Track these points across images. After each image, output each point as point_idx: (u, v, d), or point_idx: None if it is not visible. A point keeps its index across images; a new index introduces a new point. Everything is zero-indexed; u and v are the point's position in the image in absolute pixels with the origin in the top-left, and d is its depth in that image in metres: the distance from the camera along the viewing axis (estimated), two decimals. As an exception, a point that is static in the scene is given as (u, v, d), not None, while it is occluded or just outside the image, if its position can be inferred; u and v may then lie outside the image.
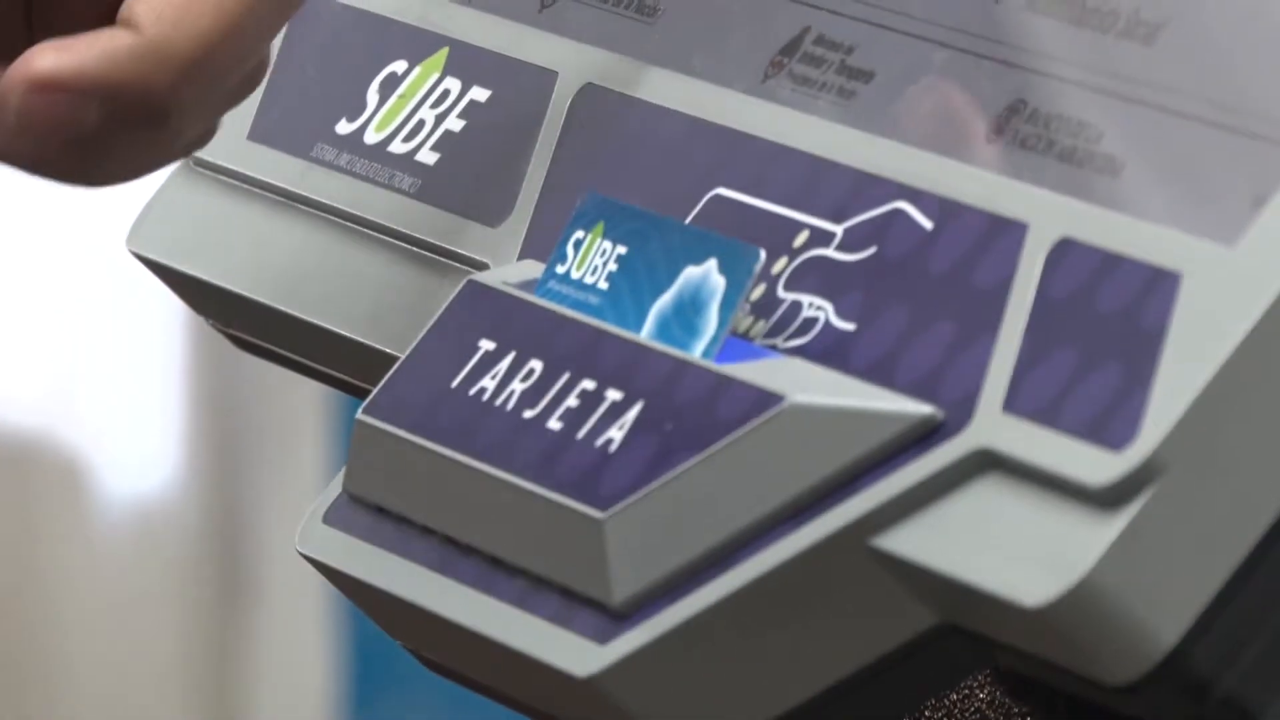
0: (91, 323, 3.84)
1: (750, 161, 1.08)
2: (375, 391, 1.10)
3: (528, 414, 1.03)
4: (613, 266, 1.07)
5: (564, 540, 1.00)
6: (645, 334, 1.04)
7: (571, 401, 1.02)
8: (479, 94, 1.17)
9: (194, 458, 3.95)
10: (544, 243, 1.11)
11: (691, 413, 0.98)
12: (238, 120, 1.23)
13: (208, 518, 3.88)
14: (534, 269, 1.10)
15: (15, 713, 4.44)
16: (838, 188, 1.05)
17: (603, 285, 1.06)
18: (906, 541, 0.90)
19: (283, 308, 1.21)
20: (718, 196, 1.09)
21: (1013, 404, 0.92)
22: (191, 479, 3.90)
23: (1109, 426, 0.88)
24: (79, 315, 4.01)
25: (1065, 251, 0.93)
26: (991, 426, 0.92)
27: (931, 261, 1.00)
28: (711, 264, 1.02)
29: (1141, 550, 0.88)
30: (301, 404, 3.76)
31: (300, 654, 3.74)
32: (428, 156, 1.17)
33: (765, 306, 1.02)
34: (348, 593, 1.13)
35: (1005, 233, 0.97)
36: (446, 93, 1.18)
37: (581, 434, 1.01)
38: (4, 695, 4.48)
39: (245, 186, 1.25)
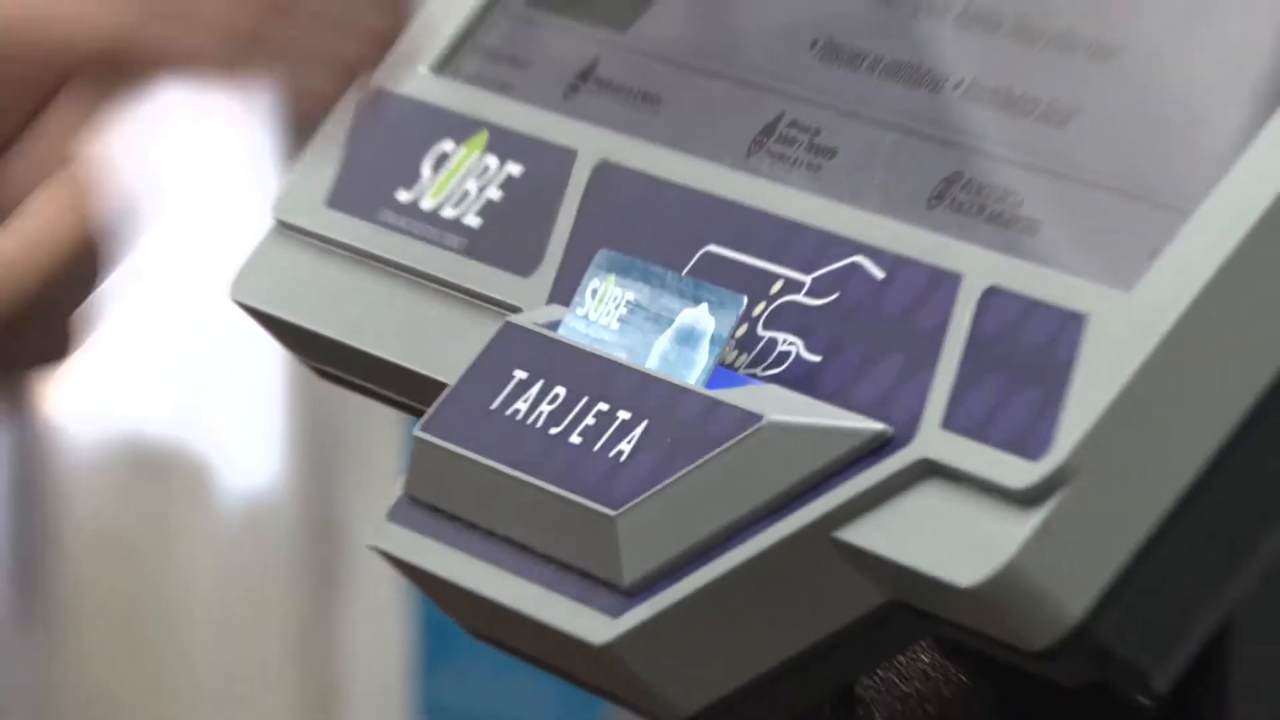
0: (214, 350, 3.87)
1: (735, 224, 1.08)
2: (430, 412, 1.10)
3: (553, 431, 1.03)
4: (623, 310, 1.07)
5: (584, 533, 1.00)
6: (649, 365, 1.04)
7: (589, 420, 1.02)
8: (514, 169, 1.17)
9: (294, 462, 3.99)
10: (567, 290, 1.10)
11: (687, 430, 0.98)
12: (319, 189, 1.23)
13: (304, 511, 3.90)
14: (559, 312, 1.10)
15: (149, 668, 4.45)
16: (807, 245, 1.06)
17: (615, 326, 1.06)
18: (863, 534, 0.91)
19: (355, 344, 1.21)
20: (708, 253, 1.09)
21: (950, 422, 0.92)
22: (291, 480, 3.93)
23: (1028, 440, 0.89)
24: (205, 344, 4.03)
25: (992, 298, 0.94)
26: (932, 441, 0.93)
27: (883, 306, 1.00)
28: (704, 308, 1.03)
29: (1055, 540, 0.89)
30: (380, 420, 3.78)
31: (380, 622, 3.76)
32: (472, 220, 1.17)
33: (747, 343, 1.02)
34: (410, 577, 1.14)
35: (943, 282, 0.98)
36: (487, 168, 1.17)
37: (597, 447, 1.01)
38: (142, 655, 4.49)
39: (324, 246, 1.23)
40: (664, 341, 1.03)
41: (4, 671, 4.59)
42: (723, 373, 1.00)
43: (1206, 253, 0.87)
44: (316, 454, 4.29)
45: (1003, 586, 0.88)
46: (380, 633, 3.96)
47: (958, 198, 1.03)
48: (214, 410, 4.53)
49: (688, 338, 1.03)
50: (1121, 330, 0.91)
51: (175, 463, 4.44)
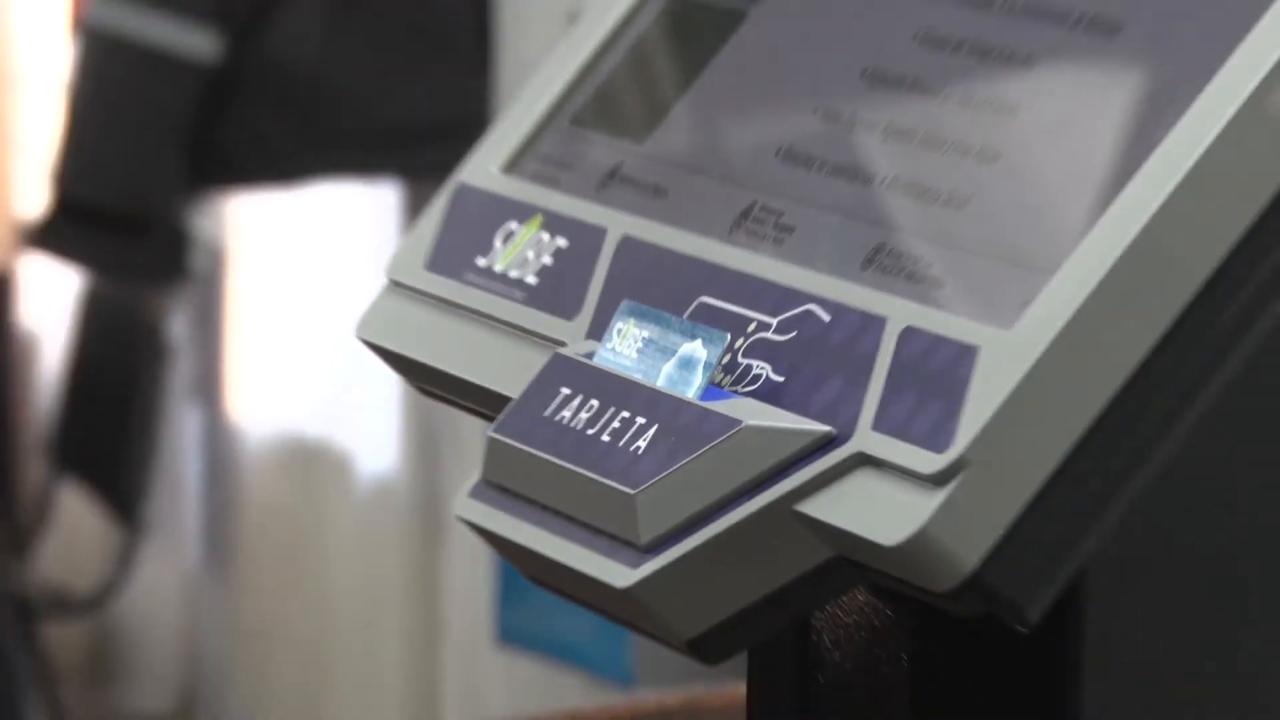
0: (353, 366, 3.90)
1: (722, 282, 1.09)
2: (499, 418, 1.13)
3: (589, 432, 1.06)
4: (639, 344, 1.08)
5: (612, 506, 1.03)
6: (659, 384, 1.06)
7: (615, 424, 1.04)
8: (561, 242, 1.18)
9: (410, 453, 4.20)
10: (599, 330, 1.13)
11: (687, 431, 1.00)
12: (420, 256, 1.26)
13: (418, 489, 3.97)
14: (593, 346, 1.12)
15: (304, 604, 4.61)
16: (773, 298, 1.07)
17: (634, 355, 1.07)
18: (815, 507, 0.94)
19: (446, 369, 1.23)
20: (702, 302, 1.10)
21: (878, 425, 0.94)
22: (409, 466, 4.04)
23: (936, 437, 0.91)
24: (346, 361, 4.07)
25: (909, 335, 0.97)
26: (865, 439, 0.94)
27: (829, 341, 1.02)
28: (699, 342, 1.04)
29: (955, 511, 0.91)
30: (471, 423, 3.77)
31: (470, 570, 3.79)
32: (531, 279, 1.18)
33: (730, 368, 1.04)
34: (486, 539, 1.16)
35: (872, 324, 1.00)
36: (541, 241, 1.19)
37: (621, 443, 1.03)
38: (299, 595, 4.58)
39: (424, 298, 1.25)
40: (669, 367, 1.06)
41: (201, 608, 4.83)
42: (713, 390, 1.03)
43: (1065, 303, 0.90)
44: (427, 448, 4.36)
45: (916, 546, 0.91)
46: (470, 578, 4.04)
47: (884, 262, 1.06)
48: (352, 411, 4.61)
49: (687, 364, 1.05)
50: (1003, 358, 0.94)
51: (323, 451, 4.53)
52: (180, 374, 4.24)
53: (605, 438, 1.04)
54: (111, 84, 3.21)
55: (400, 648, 4.24)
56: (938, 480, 0.92)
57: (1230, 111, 0.95)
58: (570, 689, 3.54)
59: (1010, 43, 1.15)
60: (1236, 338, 0.91)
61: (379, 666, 4.57)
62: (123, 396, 3.96)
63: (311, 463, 4.63)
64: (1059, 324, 0.89)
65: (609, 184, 1.18)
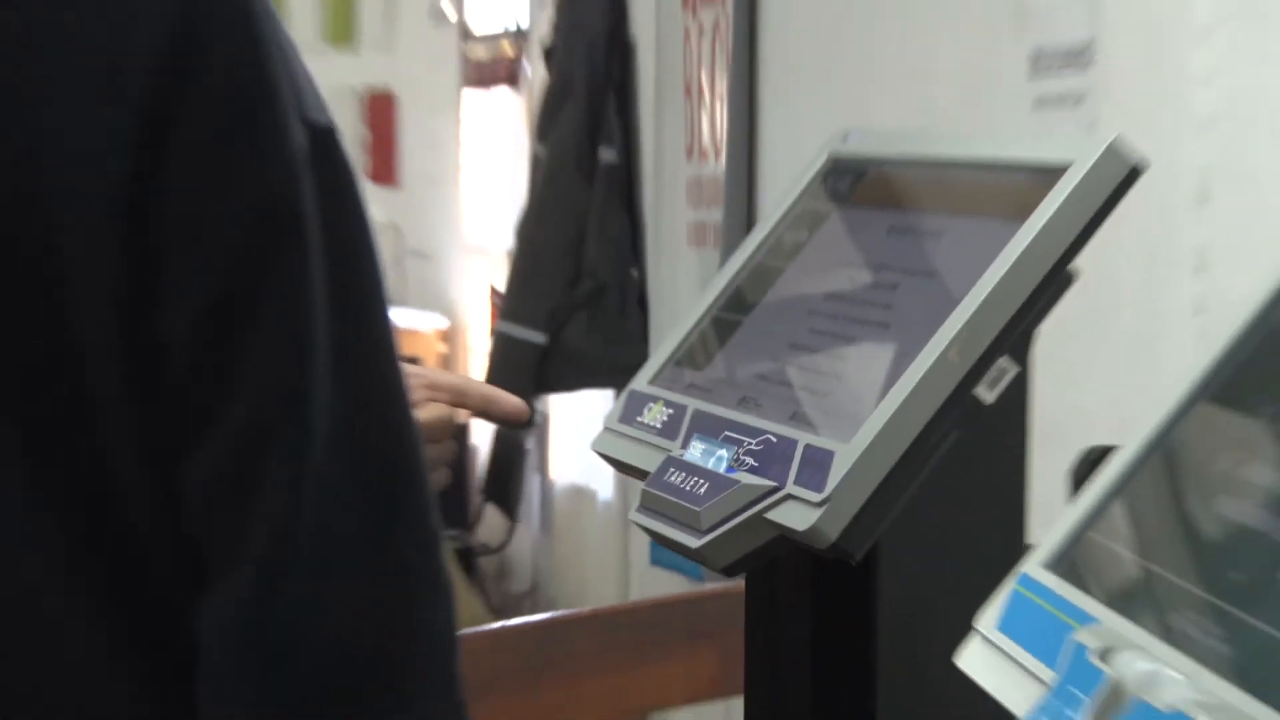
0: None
1: (734, 426, 1.34)
2: (648, 479, 1.32)
3: (681, 485, 1.32)
4: (700, 453, 1.32)
5: (690, 515, 1.26)
6: (709, 466, 1.32)
7: (691, 482, 1.33)
8: (670, 411, 1.40)
9: (620, 488, 4.13)
10: (686, 445, 1.35)
11: (720, 485, 1.28)
12: (616, 415, 1.49)
13: (622, 505, 4.18)
14: (683, 451, 1.35)
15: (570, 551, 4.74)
16: (754, 432, 1.31)
17: (699, 456, 1.32)
18: (775, 515, 1.22)
19: (627, 460, 1.44)
20: (726, 434, 1.35)
21: (797, 481, 1.22)
22: (620, 495, 4.13)
23: (819, 485, 1.20)
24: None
25: (806, 447, 1.23)
26: (790, 488, 1.21)
27: (775, 451, 1.27)
28: (724, 450, 1.29)
29: (827, 516, 1.18)
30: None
31: (642, 538, 3.94)
32: (659, 425, 1.40)
33: (738, 461, 1.31)
34: (645, 530, 1.38)
35: (791, 443, 1.26)
36: (662, 410, 1.39)
37: (692, 489, 1.32)
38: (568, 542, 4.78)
39: (619, 433, 1.43)
40: (713, 461, 1.31)
41: (540, 553, 4.96)
42: (730, 469, 1.29)
43: (865, 436, 1.17)
44: (622, 489, 4.21)
45: (811, 531, 1.21)
46: (641, 538, 4.15)
47: (799, 417, 1.32)
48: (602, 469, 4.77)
49: (720, 459, 1.30)
50: (845, 455, 1.21)
51: (586, 490, 4.66)
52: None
53: (687, 487, 1.29)
54: (499, 355, 3.81)
55: (618, 565, 4.20)
56: (820, 504, 1.21)
57: (933, 358, 1.22)
58: (677, 585, 3.40)
59: (844, 331, 1.40)
60: (939, 446, 1.20)
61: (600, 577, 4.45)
62: (514, 454, 4.46)
63: (582, 495, 4.58)
64: (865, 442, 1.13)
65: (688, 388, 1.42)
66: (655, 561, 3.39)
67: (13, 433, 0.76)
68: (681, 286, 3.44)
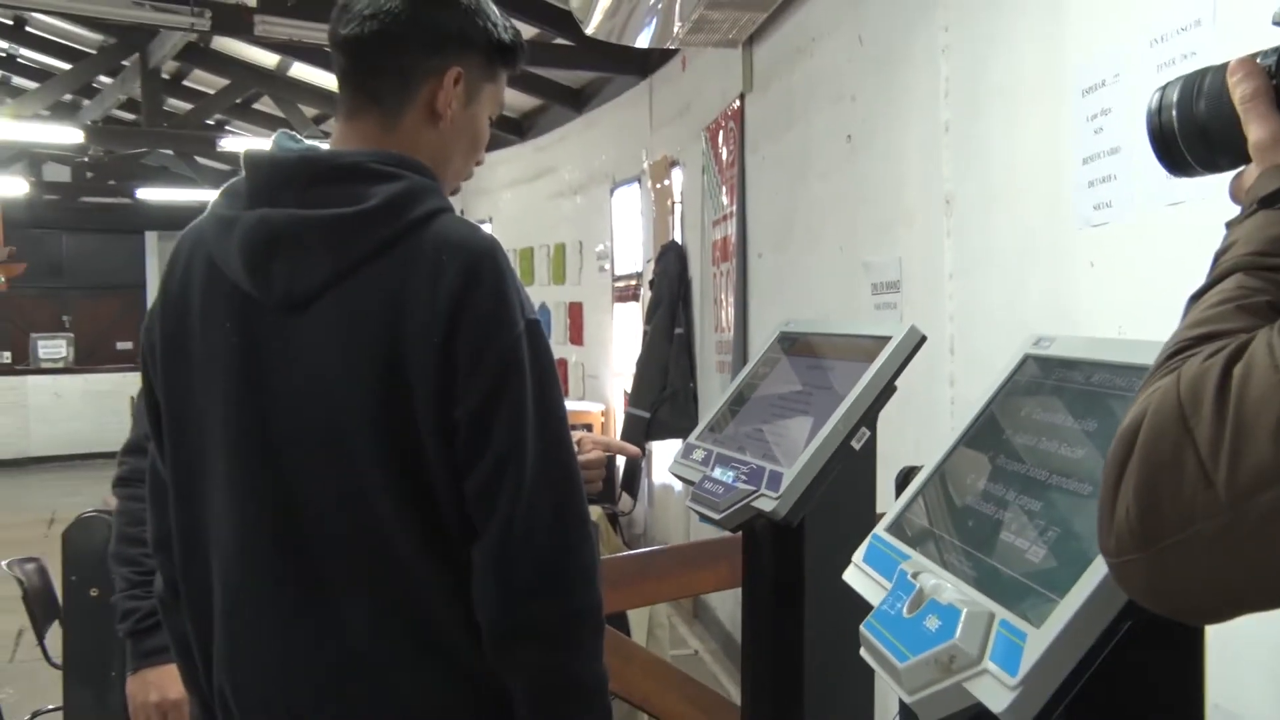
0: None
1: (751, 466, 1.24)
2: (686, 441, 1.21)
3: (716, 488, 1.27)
4: (702, 455, 1.26)
5: (712, 505, 1.24)
6: (726, 480, 1.27)
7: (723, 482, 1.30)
8: (705, 453, 1.35)
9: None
10: (688, 450, 1.27)
11: (732, 493, 1.25)
12: (679, 456, 1.44)
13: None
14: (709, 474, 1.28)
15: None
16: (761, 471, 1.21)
17: (726, 474, 1.24)
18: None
19: (682, 474, 1.35)
20: (737, 471, 1.29)
21: (769, 485, 1.19)
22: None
23: (775, 490, 1.15)
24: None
25: (771, 473, 1.19)
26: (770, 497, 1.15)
27: (756, 472, 1.23)
28: (736, 472, 1.26)
29: (780, 504, 1.18)
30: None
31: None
32: (701, 458, 1.36)
33: (750, 478, 1.25)
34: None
35: (763, 469, 1.23)
36: (703, 454, 1.35)
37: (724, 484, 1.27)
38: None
39: (681, 464, 1.37)
40: (726, 474, 1.26)
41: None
42: (734, 481, 1.26)
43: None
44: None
45: (778, 515, 1.19)
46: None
47: (765, 454, 1.25)
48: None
49: (724, 472, 1.27)
50: (793, 478, 1.16)
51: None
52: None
53: (713, 489, 1.27)
54: (628, 423, 4.15)
55: (682, 523, 4.10)
56: (779, 509, 1.15)
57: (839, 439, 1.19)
58: (711, 533, 3.37)
59: (786, 414, 1.31)
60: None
61: (675, 528, 4.24)
62: (636, 469, 4.36)
63: (667, 489, 4.44)
64: (802, 489, 1.11)
65: (714, 441, 1.38)
66: (702, 521, 3.56)
67: (390, 466, 0.87)
68: (713, 392, 3.76)
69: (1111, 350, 0.82)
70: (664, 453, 4.37)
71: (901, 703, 0.74)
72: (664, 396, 3.86)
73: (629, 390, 4.12)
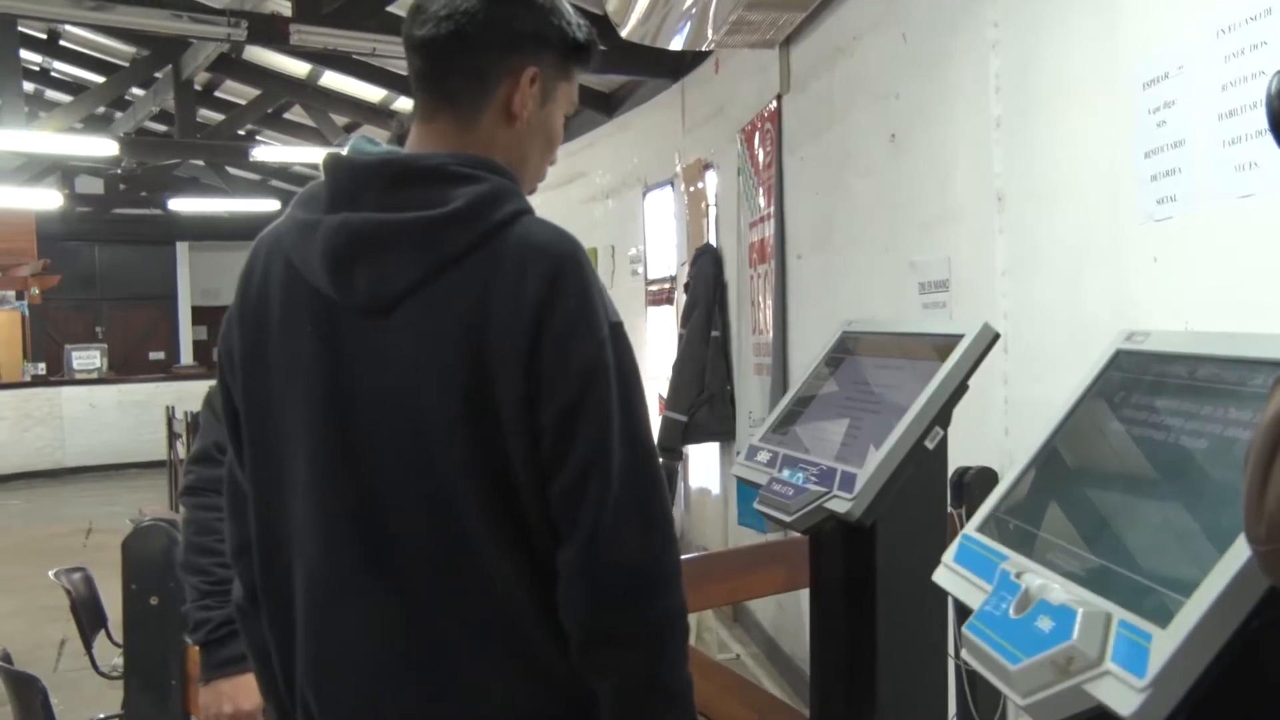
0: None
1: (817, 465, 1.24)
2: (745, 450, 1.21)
3: (781, 489, 1.25)
4: (768, 457, 1.25)
5: (783, 506, 1.22)
6: (792, 480, 1.25)
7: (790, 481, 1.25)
8: (770, 454, 1.32)
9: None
10: (753, 452, 1.27)
11: (800, 495, 1.23)
12: (742, 457, 1.42)
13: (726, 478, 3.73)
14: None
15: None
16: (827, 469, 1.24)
17: (793, 475, 1.23)
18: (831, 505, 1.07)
19: (742, 476, 1.33)
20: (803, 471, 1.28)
21: (842, 486, 1.17)
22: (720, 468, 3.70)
23: (849, 491, 1.15)
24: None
25: (843, 473, 1.19)
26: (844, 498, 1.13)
27: (825, 473, 1.22)
28: (801, 473, 1.23)
29: (855, 505, 1.17)
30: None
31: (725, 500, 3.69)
32: (765, 460, 1.35)
33: (823, 478, 1.22)
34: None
35: (834, 471, 1.20)
36: (768, 454, 1.31)
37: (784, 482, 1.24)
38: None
39: (743, 466, 1.35)
40: (794, 475, 1.24)
41: None
42: (803, 483, 1.24)
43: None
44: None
45: (853, 516, 1.16)
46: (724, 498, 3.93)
47: (835, 455, 1.26)
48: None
49: (793, 473, 1.25)
50: (862, 484, 1.21)
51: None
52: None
53: (783, 491, 1.24)
54: (664, 426, 4.03)
55: (720, 525, 4.05)
56: (854, 510, 1.18)
57: (912, 440, 1.20)
58: (750, 536, 3.33)
59: (854, 414, 1.30)
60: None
61: (712, 532, 4.16)
62: (674, 472, 4.23)
63: (704, 492, 4.40)
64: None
65: (779, 443, 1.36)
66: (740, 523, 3.48)
67: (474, 471, 0.86)
68: (752, 396, 3.75)
69: (1217, 344, 0.80)
70: (700, 456, 4.35)
71: (959, 705, 0.72)
72: (701, 400, 3.84)
73: (664, 394, 4.09)
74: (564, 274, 0.85)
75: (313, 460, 0.90)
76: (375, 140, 0.96)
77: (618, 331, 0.87)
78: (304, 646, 0.93)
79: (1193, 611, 0.63)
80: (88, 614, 2.59)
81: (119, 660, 2.26)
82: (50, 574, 2.65)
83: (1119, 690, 0.64)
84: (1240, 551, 0.62)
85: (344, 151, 0.93)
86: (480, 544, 0.86)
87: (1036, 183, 1.85)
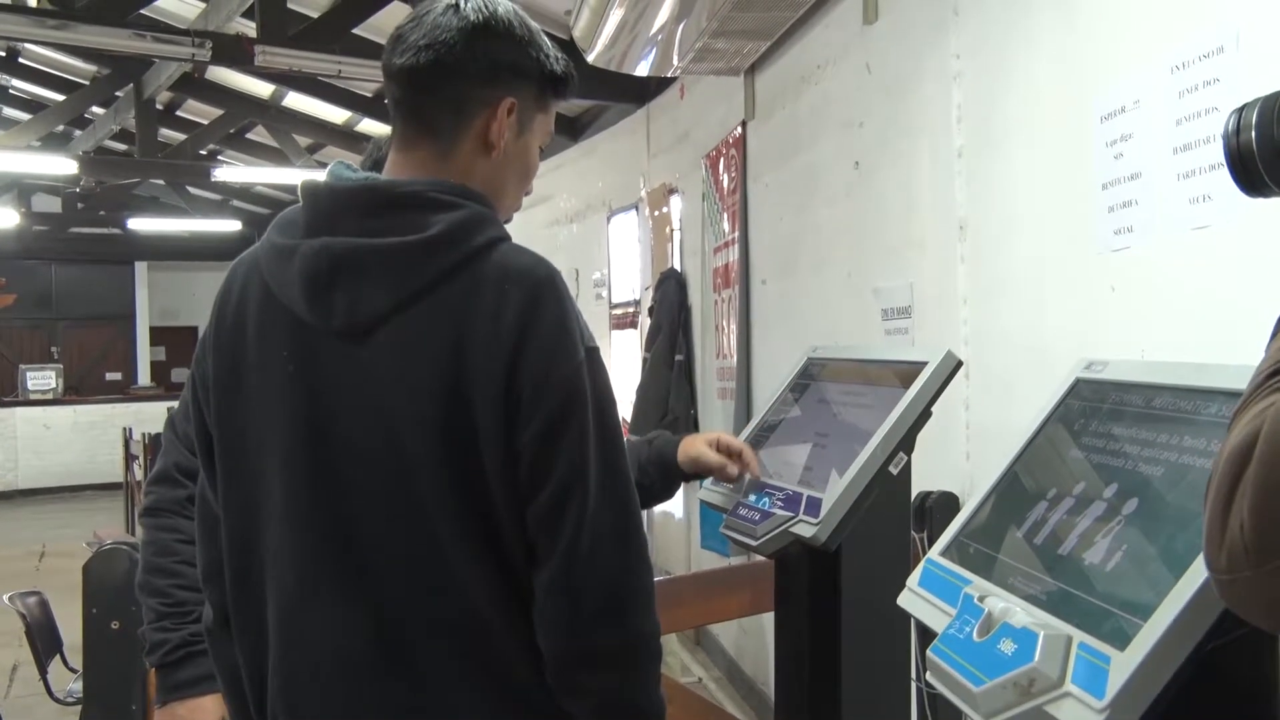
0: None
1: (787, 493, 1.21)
2: (734, 504, 1.18)
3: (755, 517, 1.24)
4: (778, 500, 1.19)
5: (751, 530, 1.21)
6: (767, 509, 1.24)
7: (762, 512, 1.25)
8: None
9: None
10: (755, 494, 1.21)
11: (774, 520, 1.22)
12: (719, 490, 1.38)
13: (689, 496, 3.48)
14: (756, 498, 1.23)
15: None
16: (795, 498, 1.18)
17: (774, 503, 1.20)
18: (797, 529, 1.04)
19: (709, 501, 1.30)
20: (772, 495, 1.26)
21: (807, 511, 1.17)
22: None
23: (815, 515, 1.13)
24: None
25: (809, 499, 1.15)
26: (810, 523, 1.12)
27: (792, 499, 1.21)
28: (773, 499, 1.23)
29: (820, 529, 1.16)
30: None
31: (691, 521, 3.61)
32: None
33: (786, 504, 1.21)
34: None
35: (800, 496, 1.20)
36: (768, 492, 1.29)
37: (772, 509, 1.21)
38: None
39: (711, 489, 1.32)
40: (764, 502, 1.23)
41: None
42: (769, 508, 1.21)
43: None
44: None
45: (818, 540, 1.16)
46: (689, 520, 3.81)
47: (800, 480, 1.24)
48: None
49: (759, 498, 1.23)
50: (829, 511, 1.12)
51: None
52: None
53: (749, 515, 1.25)
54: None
55: (683, 548, 4.05)
56: (819, 532, 1.12)
57: (879, 462, 1.17)
58: (712, 560, 3.38)
59: (820, 440, 1.27)
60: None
61: (675, 555, 4.16)
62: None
63: (667, 515, 4.33)
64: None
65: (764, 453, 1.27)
66: (703, 546, 3.53)
67: (460, 493, 0.86)
68: (715, 420, 3.76)
69: (1173, 374, 0.82)
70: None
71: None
72: (665, 424, 3.84)
73: (628, 418, 4.08)
74: (542, 299, 0.86)
75: (289, 482, 0.90)
76: (353, 166, 0.97)
77: (594, 356, 0.88)
78: (275, 670, 0.93)
79: (1150, 634, 0.64)
80: (43, 639, 2.57)
81: (75, 685, 2.37)
82: (5, 598, 2.62)
83: (1079, 711, 0.65)
84: (1196, 575, 0.64)
85: (322, 177, 0.94)
86: (457, 565, 0.87)
87: (998, 212, 1.88)
